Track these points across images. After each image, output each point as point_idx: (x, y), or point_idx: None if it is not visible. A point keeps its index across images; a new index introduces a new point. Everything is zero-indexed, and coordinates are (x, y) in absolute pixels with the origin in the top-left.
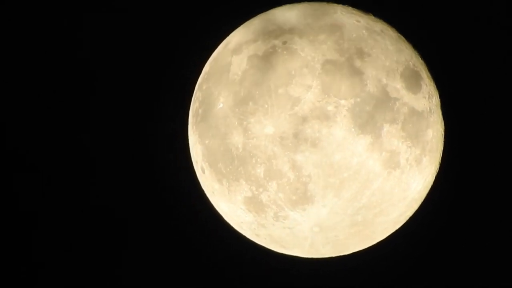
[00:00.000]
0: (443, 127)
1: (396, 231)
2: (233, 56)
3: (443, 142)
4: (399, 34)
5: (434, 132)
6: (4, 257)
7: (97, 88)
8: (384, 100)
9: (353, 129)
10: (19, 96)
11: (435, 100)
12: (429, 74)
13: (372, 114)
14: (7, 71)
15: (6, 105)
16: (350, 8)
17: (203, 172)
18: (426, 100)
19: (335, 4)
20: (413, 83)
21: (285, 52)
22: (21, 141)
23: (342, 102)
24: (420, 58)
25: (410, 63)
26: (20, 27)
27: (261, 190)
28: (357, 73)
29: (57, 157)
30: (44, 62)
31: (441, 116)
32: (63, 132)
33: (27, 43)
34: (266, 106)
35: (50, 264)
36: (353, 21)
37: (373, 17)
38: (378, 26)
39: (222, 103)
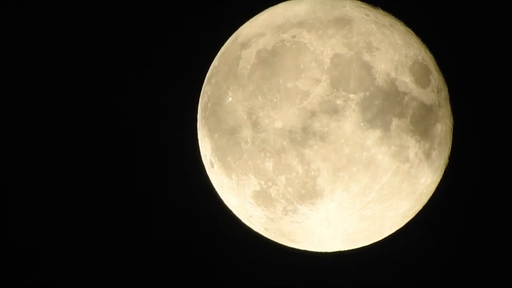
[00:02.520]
0: (452, 121)
1: (405, 225)
2: (242, 50)
3: (452, 136)
4: (408, 28)
5: (443, 126)
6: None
7: (104, 83)
8: (393, 94)
9: (362, 123)
10: (34, 97)
11: (444, 94)
12: (438, 68)
13: (381, 108)
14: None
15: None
16: (359, 2)
17: (212, 166)
18: (435, 94)
19: None
20: (422, 77)
21: (294, 46)
22: (30, 141)
23: (351, 96)
24: (429, 52)
25: (419, 57)
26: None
27: (270, 184)
28: (366, 67)
29: (64, 150)
30: (51, 61)
31: (450, 110)
32: (70, 126)
33: (40, 44)
34: (275, 100)
35: (56, 262)
36: (362, 15)
37: (382, 11)
38: (387, 20)
39: (231, 97)
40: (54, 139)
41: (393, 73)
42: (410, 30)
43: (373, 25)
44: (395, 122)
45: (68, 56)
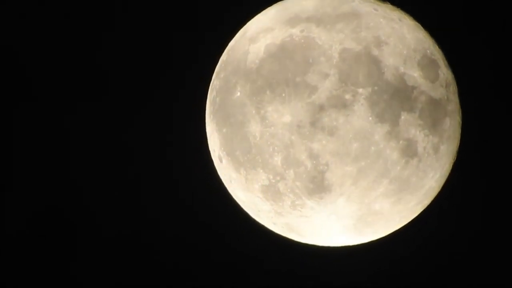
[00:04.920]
0: (460, 115)
1: (414, 219)
2: (251, 44)
3: (460, 131)
4: (417, 23)
5: (452, 121)
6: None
7: (108, 79)
8: (401, 89)
9: (370, 118)
10: (36, 96)
11: (453, 88)
12: (446, 63)
13: (389, 103)
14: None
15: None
16: None
17: (221, 160)
18: (444, 89)
19: None
20: (430, 71)
21: (302, 40)
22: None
23: (360, 90)
24: (437, 47)
25: (428, 51)
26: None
27: (278, 178)
28: (374, 61)
29: (73, 144)
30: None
31: (458, 105)
32: (77, 123)
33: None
34: (284, 94)
35: (59, 257)
36: (371, 9)
37: (390, 5)
38: (396, 14)
39: (240, 91)
40: (59, 136)
41: (402, 68)
42: (419, 25)
43: (381, 20)
44: (403, 116)
45: (75, 52)
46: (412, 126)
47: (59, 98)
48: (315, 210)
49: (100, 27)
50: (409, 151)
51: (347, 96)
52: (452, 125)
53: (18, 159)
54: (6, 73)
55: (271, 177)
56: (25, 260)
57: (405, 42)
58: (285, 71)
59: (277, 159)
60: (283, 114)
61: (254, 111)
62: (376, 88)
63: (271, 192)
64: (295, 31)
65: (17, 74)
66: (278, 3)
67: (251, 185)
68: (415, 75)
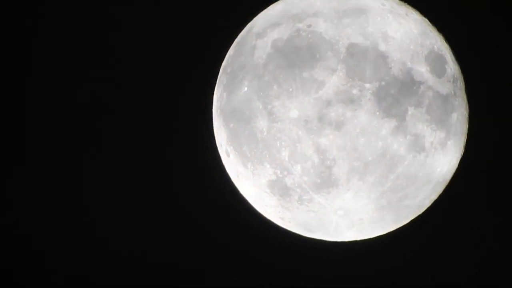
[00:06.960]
0: (467, 110)
1: (421, 214)
2: (258, 39)
3: (467, 126)
4: (424, 18)
5: (459, 116)
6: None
7: (118, 74)
8: (408, 84)
9: (377, 113)
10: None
11: (460, 83)
12: (453, 58)
13: (396, 98)
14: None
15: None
16: None
17: (228, 155)
18: (451, 84)
19: None
20: (437, 66)
21: (309, 35)
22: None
23: (367, 85)
24: (444, 42)
25: (435, 46)
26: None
27: (285, 173)
28: (381, 56)
29: (80, 141)
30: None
31: (465, 100)
32: (87, 120)
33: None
34: (291, 89)
35: (66, 256)
36: (378, 4)
37: (397, 0)
38: (403, 9)
39: (247, 86)
40: (69, 134)
41: (409, 63)
42: (426, 20)
43: (389, 15)
44: (410, 111)
45: (87, 52)
46: (419, 121)
47: (58, 97)
48: (322, 205)
49: (103, 25)
50: (416, 146)
51: (354, 91)
52: (459, 120)
53: None
54: None
55: (278, 172)
56: None
57: (412, 37)
58: (292, 66)
59: (284, 154)
60: (290, 109)
61: (261, 106)
62: (383, 83)
63: (278, 187)
64: (302, 26)
65: None
66: None
67: (258, 180)
68: (422, 70)
